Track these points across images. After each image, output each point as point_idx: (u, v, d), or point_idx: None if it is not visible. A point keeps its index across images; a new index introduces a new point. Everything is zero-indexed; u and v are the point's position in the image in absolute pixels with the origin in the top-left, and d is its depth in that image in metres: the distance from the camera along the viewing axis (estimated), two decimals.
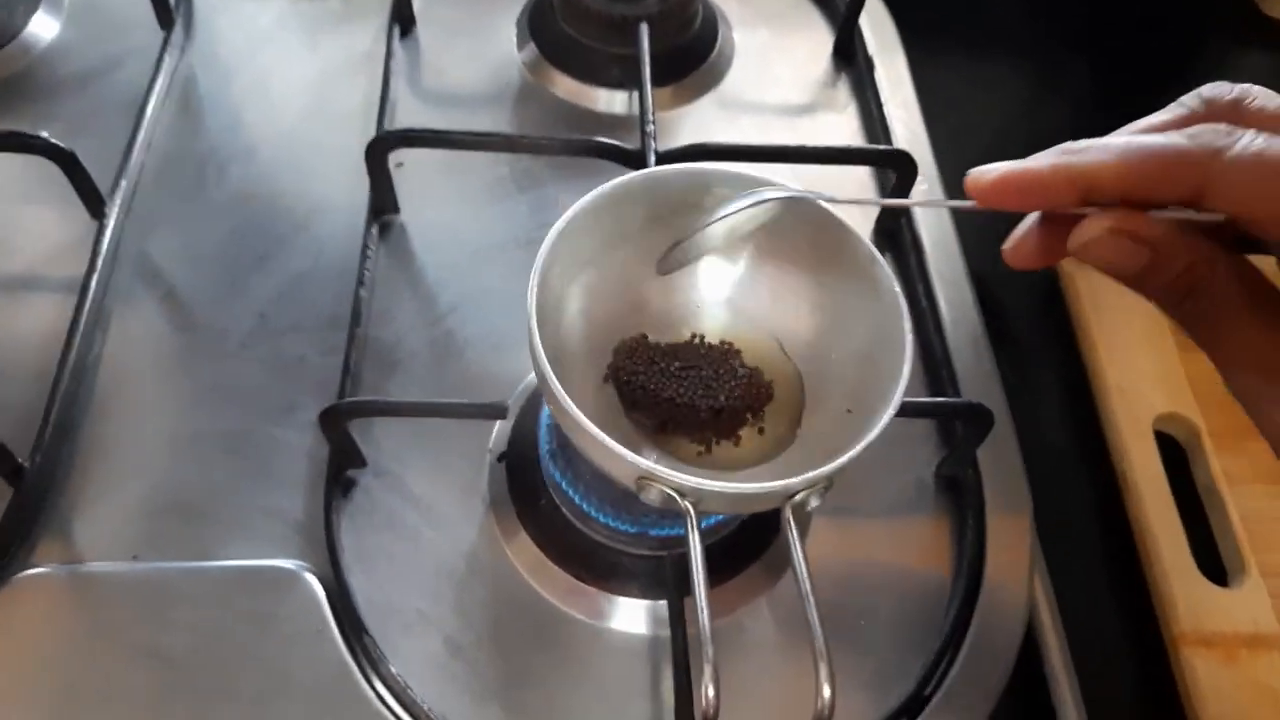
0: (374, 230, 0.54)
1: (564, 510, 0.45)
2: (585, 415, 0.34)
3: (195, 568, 0.44)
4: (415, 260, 0.55)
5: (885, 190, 0.59)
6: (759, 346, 0.43)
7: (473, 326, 0.52)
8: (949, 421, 0.50)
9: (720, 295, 0.43)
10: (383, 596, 0.44)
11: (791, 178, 0.58)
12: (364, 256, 0.52)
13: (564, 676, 0.43)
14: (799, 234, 0.41)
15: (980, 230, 0.57)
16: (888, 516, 0.48)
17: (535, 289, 0.36)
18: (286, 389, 0.49)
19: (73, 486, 0.46)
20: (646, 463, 0.33)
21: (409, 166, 0.57)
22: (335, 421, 0.44)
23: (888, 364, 0.37)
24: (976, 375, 0.51)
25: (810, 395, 0.41)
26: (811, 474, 0.33)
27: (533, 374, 0.44)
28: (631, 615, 0.44)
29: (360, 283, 0.51)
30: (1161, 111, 0.31)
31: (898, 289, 0.38)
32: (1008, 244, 0.33)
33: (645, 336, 0.42)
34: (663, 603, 0.44)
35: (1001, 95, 0.73)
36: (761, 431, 0.41)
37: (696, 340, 0.42)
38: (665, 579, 0.44)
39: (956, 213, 0.58)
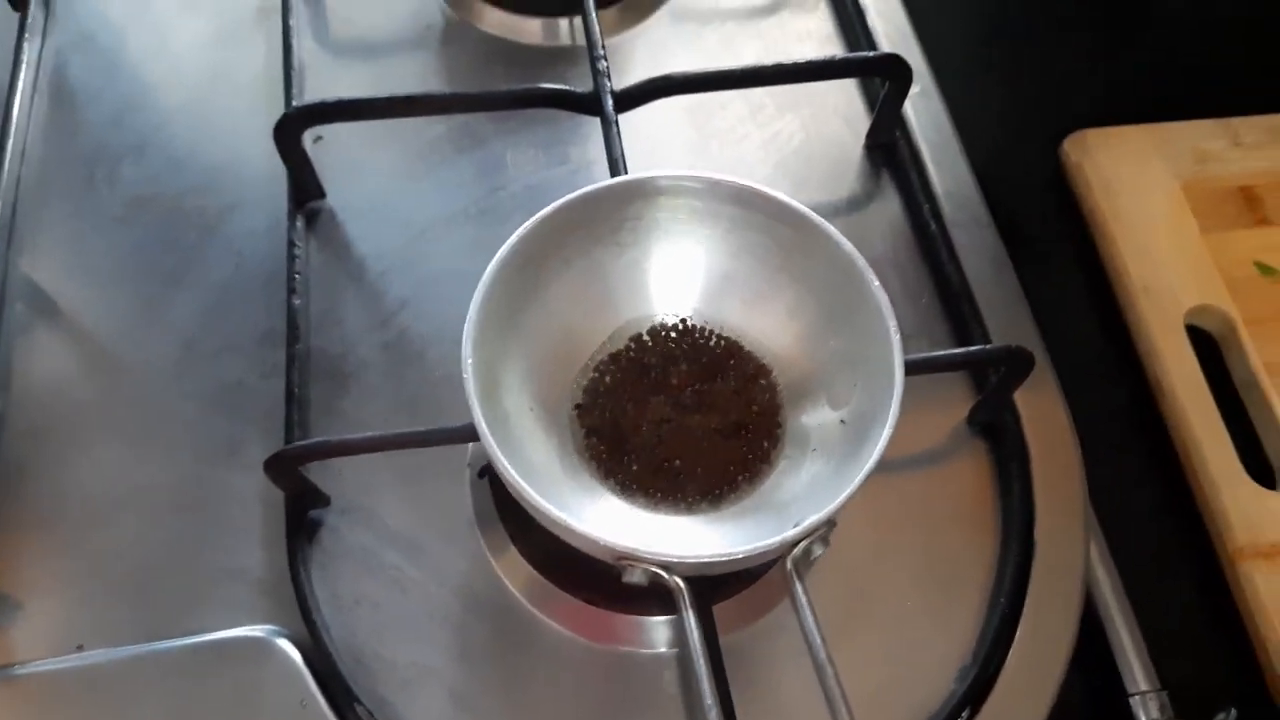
0: (299, 223, 0.47)
1: None
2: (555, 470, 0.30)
3: (150, 651, 0.38)
4: (352, 250, 0.48)
5: (874, 103, 0.52)
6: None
7: (429, 321, 0.46)
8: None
9: (687, 306, 0.39)
10: (371, 654, 0.39)
11: (769, 103, 0.53)
12: (291, 257, 0.45)
13: (587, 712, 0.38)
14: (765, 231, 0.37)
15: (972, 120, 0.52)
16: (921, 472, 0.43)
17: (470, 360, 0.32)
18: (227, 424, 0.44)
19: None
20: (624, 543, 0.29)
21: (329, 140, 0.50)
22: (284, 469, 0.38)
23: (877, 361, 0.33)
24: (1001, 305, 0.46)
25: (792, 404, 0.38)
26: (812, 519, 0.29)
27: None
28: (648, 634, 0.40)
29: (291, 290, 0.44)
30: None
31: (877, 287, 0.34)
32: None
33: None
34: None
35: None
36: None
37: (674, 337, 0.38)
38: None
39: (951, 106, 0.52)
